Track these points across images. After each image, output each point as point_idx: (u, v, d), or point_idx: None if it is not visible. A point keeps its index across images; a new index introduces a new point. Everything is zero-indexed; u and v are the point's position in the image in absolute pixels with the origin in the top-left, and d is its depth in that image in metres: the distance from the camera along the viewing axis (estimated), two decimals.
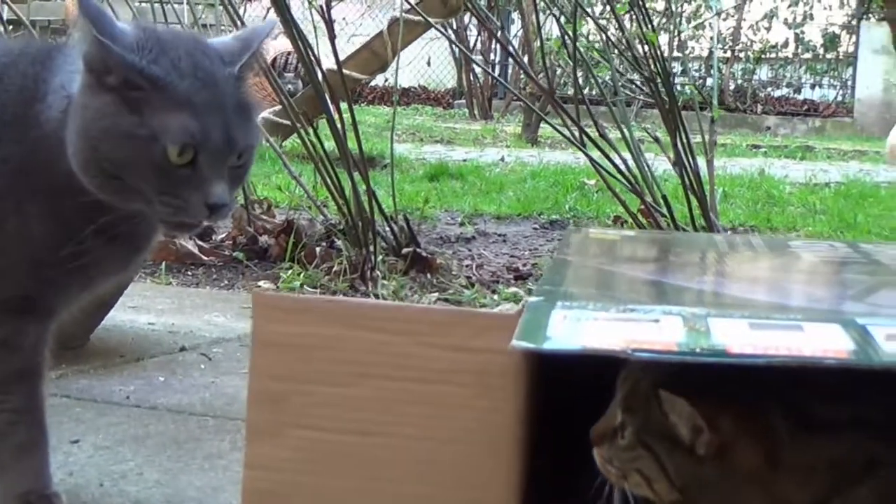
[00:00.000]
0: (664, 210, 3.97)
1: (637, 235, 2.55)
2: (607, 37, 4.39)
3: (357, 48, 7.00)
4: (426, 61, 15.29)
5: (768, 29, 14.73)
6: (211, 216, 1.64)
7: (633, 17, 3.96)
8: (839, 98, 14.53)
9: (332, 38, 3.74)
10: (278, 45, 9.13)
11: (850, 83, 14.44)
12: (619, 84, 4.32)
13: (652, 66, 3.84)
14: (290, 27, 3.82)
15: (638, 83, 4.89)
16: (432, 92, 15.78)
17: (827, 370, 1.31)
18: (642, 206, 4.12)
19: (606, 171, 4.07)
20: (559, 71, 8.06)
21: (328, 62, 4.20)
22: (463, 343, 1.53)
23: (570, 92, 5.87)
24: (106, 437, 2.10)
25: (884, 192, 6.21)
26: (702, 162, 3.99)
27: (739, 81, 14.57)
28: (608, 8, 4.27)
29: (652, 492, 1.47)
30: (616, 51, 4.16)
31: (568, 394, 1.63)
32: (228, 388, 2.48)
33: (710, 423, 1.42)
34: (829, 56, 14.97)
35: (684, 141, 3.81)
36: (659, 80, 3.84)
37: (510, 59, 13.86)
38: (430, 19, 5.79)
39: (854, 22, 14.65)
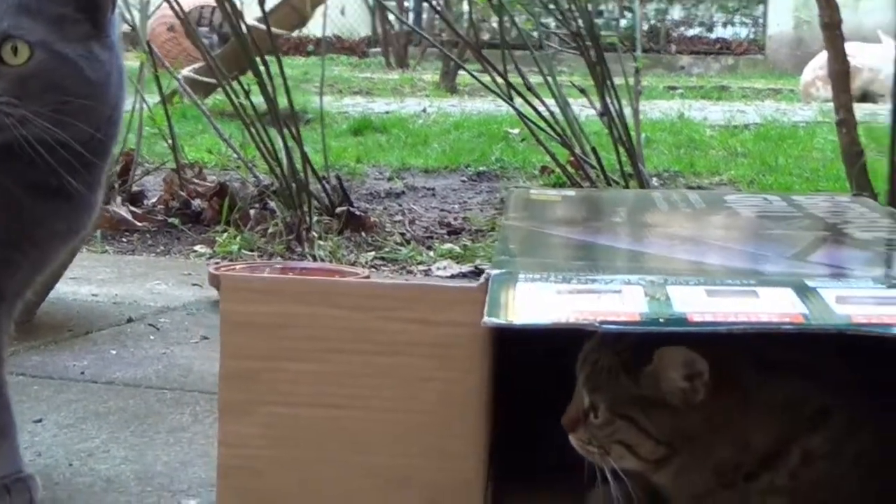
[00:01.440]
0: (593, 161, 4.03)
1: (577, 195, 2.60)
2: None
3: (276, 4, 6.98)
4: (340, 10, 15.24)
5: None
6: None
7: None
8: (751, 36, 14.68)
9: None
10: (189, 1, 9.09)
11: (761, 21, 14.58)
12: (544, 37, 4.34)
13: (579, 21, 3.88)
14: None
15: (562, 36, 4.92)
16: (346, 41, 15.74)
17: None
18: (571, 158, 4.17)
19: (533, 122, 4.11)
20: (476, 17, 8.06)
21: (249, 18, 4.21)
22: (427, 316, 1.57)
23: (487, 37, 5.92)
24: (67, 414, 2.13)
25: (802, 133, 6.30)
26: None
27: (653, 21, 14.67)
28: None
29: (636, 457, 1.53)
30: (541, 3, 4.18)
31: (519, 360, 1.69)
32: (181, 359, 2.51)
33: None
34: None
35: (612, 92, 3.86)
36: (585, 34, 3.88)
37: (424, 5, 13.89)
38: None
39: None
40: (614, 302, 1.42)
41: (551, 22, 4.66)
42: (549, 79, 4.17)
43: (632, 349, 1.50)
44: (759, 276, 1.57)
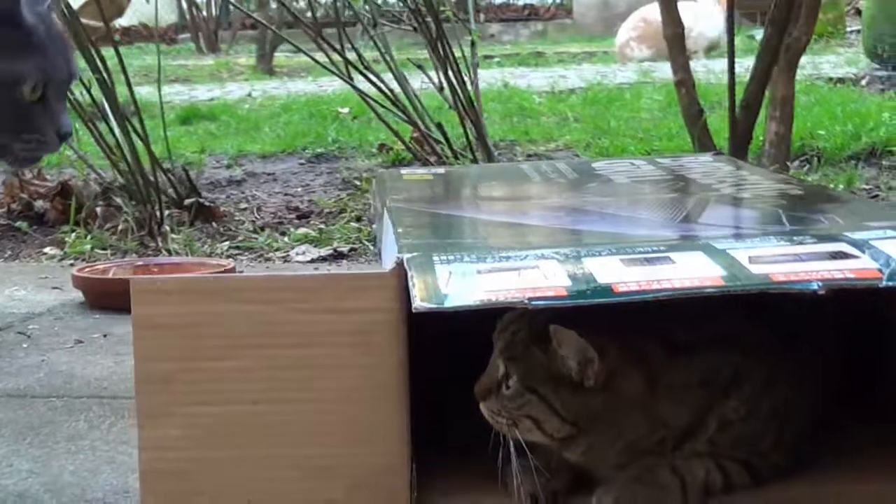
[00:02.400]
0: (437, 135, 4.05)
1: (448, 173, 2.62)
2: None
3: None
4: None
5: None
6: (61, 144, 1.70)
7: None
8: (558, 1, 14.81)
9: None
10: None
11: None
12: (377, 14, 4.34)
13: None
14: None
15: (393, 12, 4.94)
16: (153, 29, 15.48)
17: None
18: (416, 134, 4.19)
19: (374, 100, 4.12)
20: None
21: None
22: (339, 305, 1.57)
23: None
24: None
25: (628, 95, 6.40)
26: None
27: None
28: None
29: (542, 433, 1.55)
30: None
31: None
32: (61, 365, 2.47)
33: (600, 353, 1.50)
34: None
35: (455, 69, 3.89)
36: (424, 11, 3.89)
37: None
38: None
39: None
40: (536, 277, 1.44)
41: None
42: (386, 56, 4.17)
43: (545, 322, 1.52)
44: (665, 241, 1.60)
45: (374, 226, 2.88)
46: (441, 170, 2.58)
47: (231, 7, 13.95)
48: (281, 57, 10.59)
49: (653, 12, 9.41)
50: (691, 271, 1.43)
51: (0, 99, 1.65)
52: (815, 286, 1.36)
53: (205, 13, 13.21)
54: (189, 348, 1.59)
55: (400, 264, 1.53)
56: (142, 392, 1.61)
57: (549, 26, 13.98)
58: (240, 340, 1.58)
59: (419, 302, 1.39)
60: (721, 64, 7.48)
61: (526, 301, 1.37)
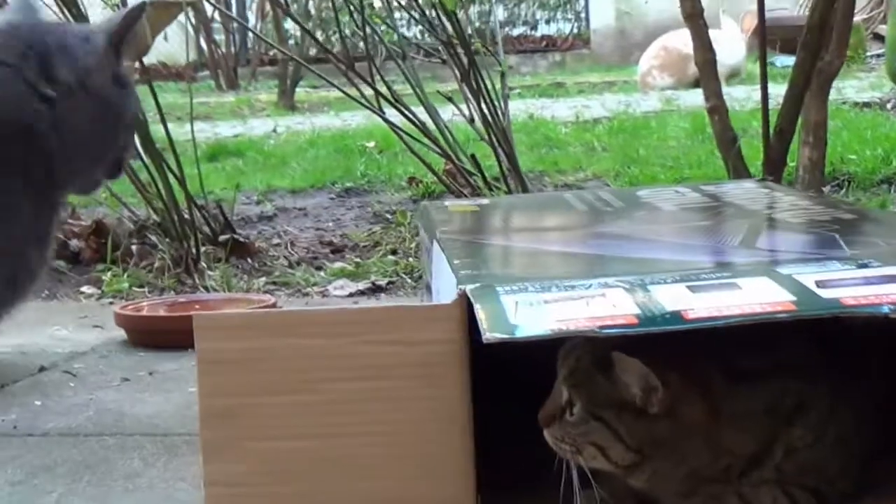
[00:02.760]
0: (469, 167, 4.06)
1: (492, 203, 2.62)
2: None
3: None
4: (163, 36, 15.06)
5: None
6: None
7: None
8: (575, 31, 14.86)
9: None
10: None
11: (583, 15, 14.78)
12: (407, 48, 4.35)
13: (449, 30, 3.91)
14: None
15: (424, 46, 4.95)
16: (172, 67, 15.56)
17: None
18: (448, 166, 4.19)
19: (407, 133, 4.13)
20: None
21: None
22: (404, 337, 1.57)
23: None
24: (14, 471, 2.08)
25: (654, 123, 6.40)
26: None
27: (477, 24, 14.76)
28: None
29: (607, 460, 1.55)
30: (408, 15, 4.21)
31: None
32: (109, 403, 2.47)
33: (661, 381, 1.50)
34: None
35: (488, 100, 3.89)
36: (457, 43, 3.91)
37: (249, 25, 13.81)
38: None
39: None
40: (605, 306, 1.44)
41: (407, 31, 4.69)
42: (417, 89, 4.18)
43: (608, 349, 1.52)
44: (729, 267, 1.60)
45: (420, 258, 2.88)
46: (485, 200, 2.59)
47: (249, 44, 14.05)
48: (301, 92, 10.63)
49: (673, 40, 9.45)
50: (761, 297, 1.43)
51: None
52: (885, 309, 1.36)
53: (223, 50, 13.25)
54: (254, 383, 1.59)
55: (462, 295, 1.53)
56: (207, 427, 1.61)
57: (567, 56, 14.02)
58: (304, 374, 1.58)
59: (489, 333, 1.38)
60: (743, 91, 7.51)
61: (597, 330, 1.37)
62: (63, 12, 3.74)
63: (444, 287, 1.78)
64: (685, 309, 1.40)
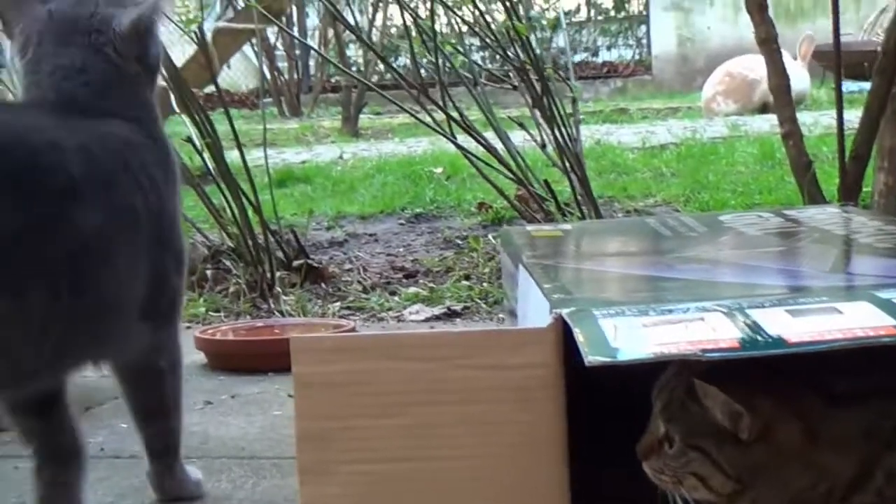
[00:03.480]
0: (541, 192, 4.07)
1: (575, 229, 2.62)
2: (468, 25, 4.48)
3: (184, 62, 6.94)
4: (226, 64, 15.17)
5: None
6: None
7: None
8: (636, 57, 14.85)
9: (208, 60, 3.75)
10: None
11: (644, 41, 14.76)
12: (478, 72, 4.37)
13: (522, 56, 3.92)
14: None
15: (492, 69, 4.97)
16: (235, 94, 15.66)
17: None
18: (520, 192, 4.20)
19: (479, 158, 4.15)
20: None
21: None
22: (499, 361, 1.57)
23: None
24: (106, 492, 2.10)
25: (722, 149, 6.39)
26: None
27: (538, 51, 14.77)
28: None
29: (708, 490, 1.54)
30: (479, 40, 4.23)
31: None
32: (193, 426, 2.49)
33: (747, 406, 1.49)
34: (620, 16, 15.28)
35: (560, 126, 3.90)
36: (528, 67, 3.92)
37: (311, 53, 13.90)
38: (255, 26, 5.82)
39: None
40: (704, 329, 1.43)
41: (478, 57, 4.71)
42: (488, 114, 4.20)
43: (703, 377, 1.51)
44: (828, 292, 1.60)
45: (502, 282, 2.88)
46: (567, 226, 2.59)
47: (311, 71, 14.12)
48: (365, 119, 10.67)
49: (737, 66, 9.43)
50: (862, 321, 1.42)
51: None
52: None
53: (286, 77, 13.33)
54: (350, 406, 1.59)
55: (558, 319, 1.53)
56: (303, 450, 1.62)
57: (629, 83, 14.02)
58: (400, 398, 1.59)
59: (591, 356, 1.38)
60: (809, 117, 7.47)
61: (699, 353, 1.37)
62: None
63: (534, 312, 1.78)
64: (787, 333, 1.39)
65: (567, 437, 1.61)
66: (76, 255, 1.75)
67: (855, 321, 1.42)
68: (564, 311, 1.54)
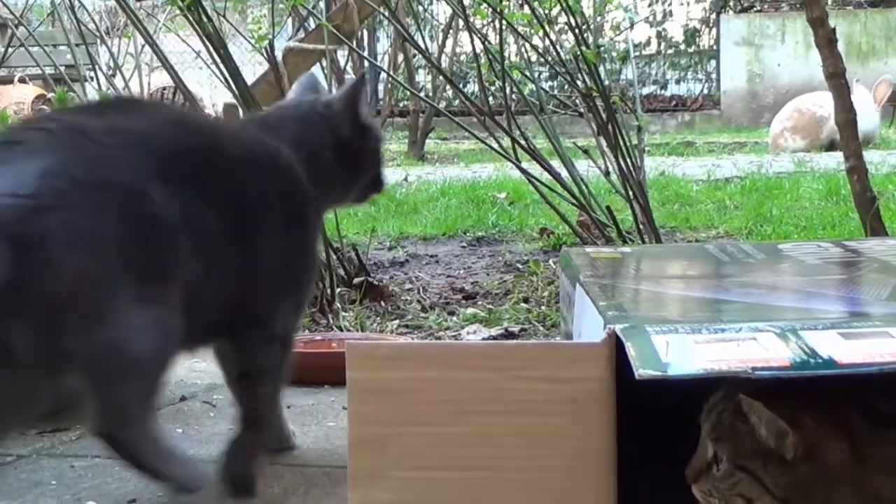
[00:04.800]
0: (603, 219, 4.09)
1: (633, 252, 2.64)
2: (537, 52, 4.51)
3: (253, 81, 7.01)
4: None
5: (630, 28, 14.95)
6: None
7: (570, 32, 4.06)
8: (705, 91, 14.83)
9: (277, 78, 3.80)
10: (156, 81, 9.14)
11: (714, 76, 14.74)
12: (545, 101, 4.40)
13: (588, 82, 3.94)
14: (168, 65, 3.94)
15: (559, 97, 5.00)
16: None
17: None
18: (582, 218, 4.22)
19: (543, 183, 4.17)
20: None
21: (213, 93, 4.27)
22: (554, 374, 1.59)
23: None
24: (159, 493, 2.12)
25: (787, 184, 6.38)
26: None
27: (607, 82, 14.79)
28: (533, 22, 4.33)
29: None
30: (547, 66, 4.25)
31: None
32: None
33: (792, 424, 1.50)
34: (690, 50, 15.27)
35: (625, 153, 3.92)
36: (596, 95, 3.94)
37: (381, 76, 13.97)
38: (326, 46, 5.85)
39: (713, 16, 14.98)
40: (756, 348, 1.45)
41: (546, 86, 4.73)
42: (553, 140, 4.23)
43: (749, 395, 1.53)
44: (882, 318, 1.61)
45: (559, 305, 2.90)
46: (627, 249, 2.60)
47: (380, 95, 14.19)
48: (431, 144, 10.72)
49: (806, 103, 9.41)
50: None
51: None
52: None
53: None
54: (405, 413, 1.62)
55: (612, 335, 1.55)
56: (356, 455, 1.64)
57: (697, 116, 14.00)
58: (455, 407, 1.61)
59: (641, 369, 1.40)
60: (877, 155, 7.45)
61: (750, 371, 1.39)
62: (211, 54, 3.85)
63: (588, 328, 1.80)
64: (838, 354, 1.41)
65: (616, 452, 1.63)
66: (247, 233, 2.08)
67: None
68: (618, 327, 1.56)
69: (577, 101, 4.31)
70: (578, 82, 4.08)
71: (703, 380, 1.52)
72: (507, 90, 4.28)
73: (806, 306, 1.78)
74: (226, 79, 3.93)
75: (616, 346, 1.54)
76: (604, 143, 4.10)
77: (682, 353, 1.45)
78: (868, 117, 9.38)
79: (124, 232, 1.86)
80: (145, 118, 2.06)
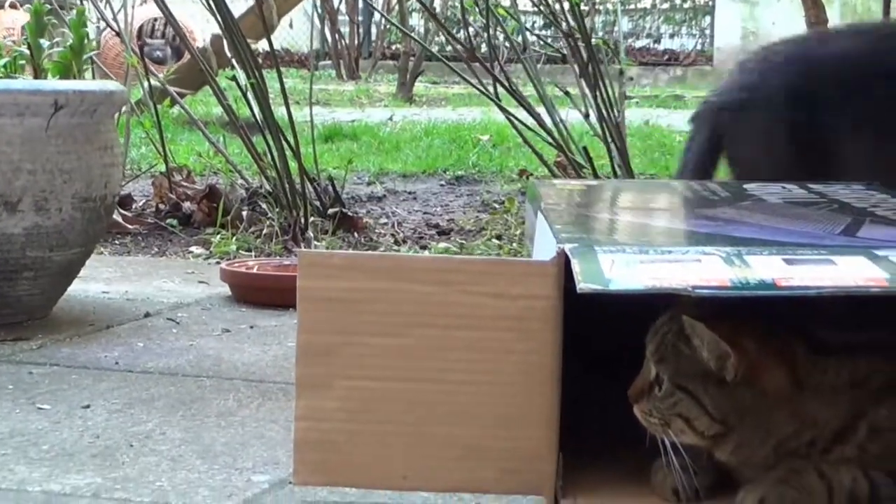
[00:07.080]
0: (581, 161, 4.09)
1: (599, 184, 2.65)
2: None
3: (241, 14, 6.99)
4: (288, 23, 15.22)
5: None
6: None
7: None
8: (699, 47, 14.81)
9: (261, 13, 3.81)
10: (143, 13, 9.11)
11: (708, 32, 14.72)
12: (529, 42, 4.40)
13: (571, 22, 3.94)
14: None
15: (542, 37, 5.00)
16: (295, 54, 15.73)
17: (832, 301, 1.42)
18: (559, 159, 4.23)
19: (525, 126, 4.17)
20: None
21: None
22: (504, 290, 1.60)
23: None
24: (114, 401, 2.15)
25: None
26: None
27: (601, 34, 14.76)
28: None
29: (693, 432, 1.56)
30: (532, 5, 4.25)
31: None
32: (208, 350, 2.54)
33: (734, 346, 1.51)
34: (686, 6, 15.24)
35: (604, 95, 3.92)
36: (578, 36, 3.94)
37: (374, 19, 13.96)
38: None
39: None
40: (699, 269, 1.46)
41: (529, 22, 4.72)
42: (535, 81, 4.22)
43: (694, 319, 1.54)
44: (828, 247, 1.62)
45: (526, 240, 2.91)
46: (594, 182, 2.61)
47: (372, 37, 14.17)
48: (420, 87, 10.70)
49: None
50: (854, 272, 1.44)
51: None
52: None
53: (347, 41, 13.38)
54: (353, 323, 1.62)
55: (561, 253, 1.56)
56: (303, 363, 1.65)
57: (689, 72, 13.97)
58: (405, 318, 1.61)
59: (583, 283, 1.41)
60: None
61: (689, 288, 1.40)
62: None
63: (543, 251, 1.80)
64: (778, 277, 1.42)
65: (561, 370, 1.64)
66: None
67: (847, 272, 1.45)
68: (567, 246, 1.57)
69: (563, 43, 4.30)
70: (563, 23, 4.07)
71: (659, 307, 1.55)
72: (491, 30, 4.27)
73: (759, 237, 1.79)
74: (211, 9, 3.93)
75: (566, 265, 1.55)
76: (584, 84, 4.10)
77: (625, 271, 1.46)
78: None
79: None
80: None
